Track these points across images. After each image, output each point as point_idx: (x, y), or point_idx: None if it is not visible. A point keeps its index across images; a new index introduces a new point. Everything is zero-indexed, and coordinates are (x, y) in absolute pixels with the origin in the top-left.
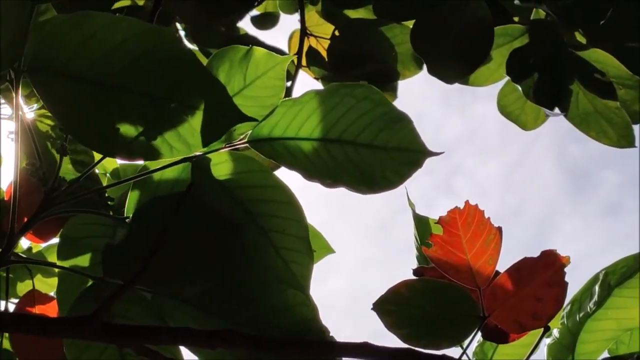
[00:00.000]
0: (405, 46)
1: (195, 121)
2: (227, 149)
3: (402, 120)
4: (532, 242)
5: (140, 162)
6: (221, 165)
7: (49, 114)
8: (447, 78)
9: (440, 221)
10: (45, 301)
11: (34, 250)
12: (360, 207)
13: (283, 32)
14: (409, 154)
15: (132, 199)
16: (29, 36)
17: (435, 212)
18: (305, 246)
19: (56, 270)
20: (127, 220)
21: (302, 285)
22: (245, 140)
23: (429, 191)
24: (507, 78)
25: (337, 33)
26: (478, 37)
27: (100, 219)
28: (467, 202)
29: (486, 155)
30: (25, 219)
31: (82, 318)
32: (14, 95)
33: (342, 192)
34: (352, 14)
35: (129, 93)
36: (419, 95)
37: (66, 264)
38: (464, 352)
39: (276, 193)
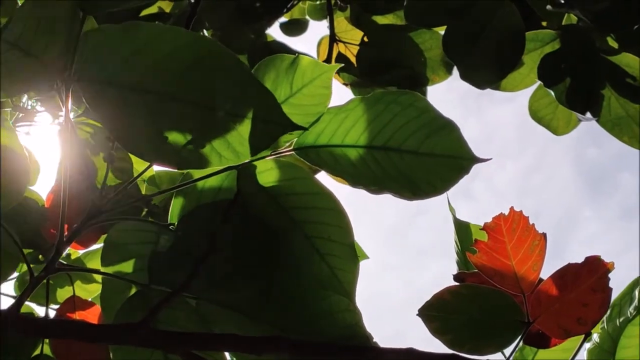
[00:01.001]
0: (434, 52)
1: (244, 130)
2: (272, 157)
3: (448, 127)
4: (551, 245)
5: (176, 170)
6: (266, 173)
7: (89, 122)
8: (480, 83)
9: (485, 227)
10: (85, 307)
11: (73, 257)
12: (375, 210)
13: (310, 38)
14: (455, 161)
15: (175, 206)
16: (79, 46)
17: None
18: (350, 252)
19: (96, 276)
20: (170, 227)
21: (348, 291)
22: (292, 147)
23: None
24: (538, 83)
25: (366, 39)
26: (510, 42)
27: (143, 226)
28: (511, 209)
29: (504, 159)
30: (67, 227)
31: (131, 325)
32: (61, 104)
33: (356, 196)
34: (381, 20)
35: (178, 102)
36: (436, 99)
37: (110, 270)
38: (508, 359)
39: (321, 200)
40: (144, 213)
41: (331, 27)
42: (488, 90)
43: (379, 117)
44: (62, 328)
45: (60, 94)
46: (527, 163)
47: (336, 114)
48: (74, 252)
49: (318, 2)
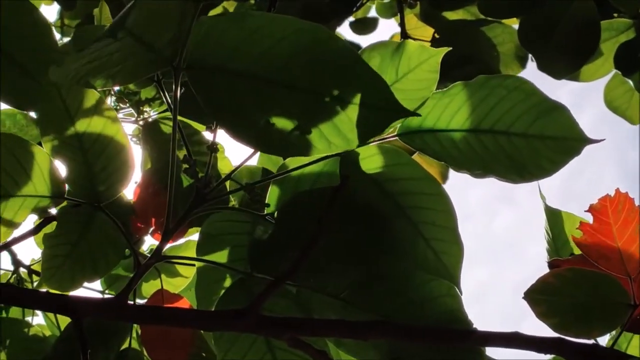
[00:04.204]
0: (507, 46)
1: (354, 116)
2: (376, 143)
3: (559, 109)
4: None
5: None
6: (370, 159)
7: (171, 117)
8: (557, 74)
9: (591, 209)
10: (173, 300)
11: None
12: None
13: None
14: (567, 142)
15: (272, 195)
16: (190, 34)
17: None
18: (455, 237)
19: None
20: (266, 217)
21: (453, 275)
22: (396, 133)
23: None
24: (613, 73)
25: (437, 35)
26: (585, 32)
27: (238, 216)
28: (617, 190)
29: None
30: (153, 220)
31: (239, 311)
32: (162, 95)
33: None
34: (451, 15)
35: (287, 89)
36: None
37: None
38: (615, 342)
39: (426, 185)
40: (232, 204)
41: (402, 24)
42: None
43: (485, 101)
44: (174, 315)
45: (161, 83)
46: (570, 168)
47: (440, 98)
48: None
49: (387, 0)
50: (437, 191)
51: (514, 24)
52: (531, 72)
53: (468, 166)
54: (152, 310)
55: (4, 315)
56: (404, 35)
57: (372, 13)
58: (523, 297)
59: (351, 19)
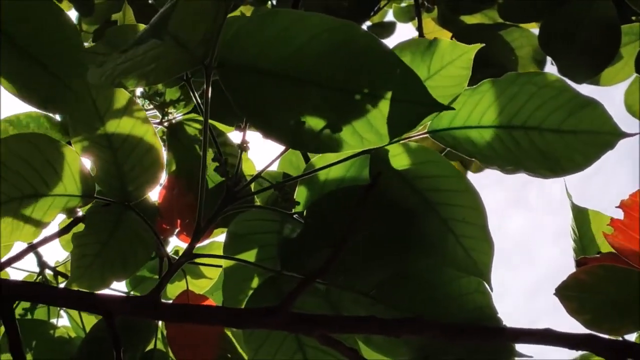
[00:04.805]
0: (525, 49)
1: (387, 111)
2: (406, 141)
3: (591, 104)
4: None
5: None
6: (399, 157)
7: (197, 118)
8: (577, 78)
9: (622, 205)
10: (198, 301)
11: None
12: None
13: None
14: (600, 136)
15: (300, 194)
16: (221, 33)
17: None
18: (484, 234)
19: (207, 272)
20: (294, 215)
21: (483, 272)
22: (426, 130)
23: (502, 204)
24: (633, 77)
25: (454, 39)
26: (606, 36)
27: (266, 215)
28: None
29: None
30: (179, 221)
31: (271, 308)
32: (192, 94)
33: None
34: (469, 19)
35: (319, 86)
36: None
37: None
38: None
39: (455, 182)
40: (256, 203)
41: (420, 28)
42: None
43: (515, 98)
44: (207, 313)
45: (190, 83)
46: (584, 171)
47: (470, 96)
48: (179, 248)
49: (404, 5)
50: (467, 188)
51: (532, 27)
52: None
53: (499, 162)
54: (185, 308)
55: (29, 316)
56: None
57: (390, 17)
58: (554, 294)
59: (368, 23)
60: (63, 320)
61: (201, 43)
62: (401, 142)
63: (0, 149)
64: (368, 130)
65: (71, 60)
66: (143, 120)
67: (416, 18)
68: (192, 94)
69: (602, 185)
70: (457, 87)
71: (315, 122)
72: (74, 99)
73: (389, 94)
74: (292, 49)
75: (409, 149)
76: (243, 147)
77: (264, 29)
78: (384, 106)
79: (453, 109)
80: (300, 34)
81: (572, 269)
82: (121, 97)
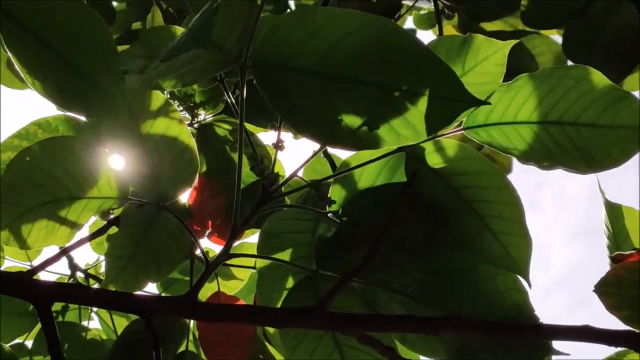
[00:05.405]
0: (546, 56)
1: (424, 108)
2: (441, 137)
3: (627, 98)
4: None
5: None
6: (435, 154)
7: (227, 119)
8: None
9: None
10: (230, 302)
11: (210, 255)
12: None
13: None
14: (638, 132)
15: (335, 193)
16: (255, 32)
17: None
18: (522, 229)
19: (238, 273)
20: (328, 214)
21: (521, 268)
22: (462, 127)
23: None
24: None
25: None
26: (629, 42)
27: (300, 214)
28: None
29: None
30: (209, 222)
31: (309, 308)
32: (226, 94)
33: None
34: (489, 26)
35: (355, 83)
36: None
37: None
38: None
39: (492, 178)
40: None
41: (440, 35)
42: None
43: (552, 92)
44: (246, 312)
45: (224, 83)
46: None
47: (505, 91)
48: (210, 250)
49: (425, 12)
50: (504, 184)
51: (553, 34)
52: None
53: (536, 158)
54: (223, 308)
55: (60, 319)
56: None
57: (410, 24)
58: (593, 290)
59: None
60: (94, 323)
61: (236, 43)
62: (437, 139)
63: (36, 153)
64: (405, 127)
65: (106, 64)
66: (178, 120)
67: (436, 25)
68: (226, 94)
69: (614, 189)
70: (492, 84)
71: (352, 119)
72: (108, 102)
73: (426, 91)
74: (328, 45)
75: (445, 146)
76: (279, 146)
77: (299, 26)
78: (422, 103)
79: (490, 104)
80: (336, 31)
81: (585, 270)
82: (156, 98)
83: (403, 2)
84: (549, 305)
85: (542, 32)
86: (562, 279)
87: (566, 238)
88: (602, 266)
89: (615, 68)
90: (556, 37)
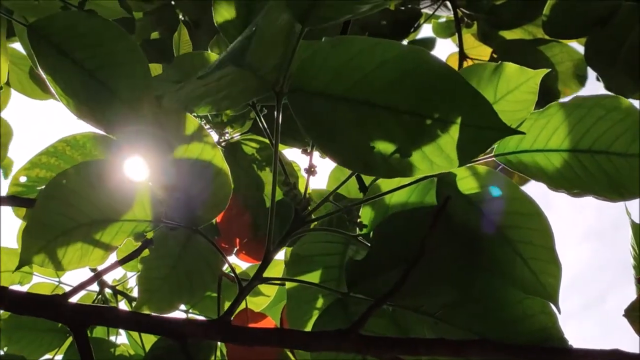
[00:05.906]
0: (565, 65)
1: (457, 136)
2: (472, 164)
3: None
4: None
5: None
6: (466, 180)
7: (254, 138)
8: (623, 93)
9: None
10: (257, 319)
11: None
12: None
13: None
14: None
15: (365, 216)
16: (293, 59)
17: None
18: (553, 256)
19: (265, 290)
20: (358, 237)
21: (551, 294)
22: (493, 154)
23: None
24: None
25: (494, 55)
26: None
27: (330, 237)
28: None
29: None
30: (237, 240)
31: (342, 331)
32: (258, 118)
33: None
34: (508, 34)
35: (387, 111)
36: None
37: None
38: None
39: (523, 205)
40: (313, 225)
41: (460, 43)
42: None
43: (582, 121)
44: (280, 336)
45: (255, 107)
46: None
47: (536, 119)
48: (236, 266)
49: (444, 20)
50: (535, 211)
51: (572, 42)
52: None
53: (566, 186)
54: (257, 332)
55: (88, 335)
56: (462, 54)
57: (429, 33)
58: (623, 315)
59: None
60: (121, 338)
61: (274, 69)
62: (469, 164)
63: (72, 176)
64: (438, 154)
65: (139, 85)
66: (212, 145)
67: (456, 34)
68: (258, 119)
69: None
70: (524, 112)
71: (385, 147)
72: (143, 124)
73: (459, 119)
74: (363, 74)
75: (476, 172)
76: (311, 171)
77: (335, 54)
78: (454, 131)
79: (523, 133)
80: (371, 60)
81: (598, 270)
82: (190, 122)
83: (423, 10)
84: (563, 306)
85: (562, 40)
86: (574, 280)
87: (579, 238)
88: (618, 266)
89: (637, 77)
90: (575, 44)
